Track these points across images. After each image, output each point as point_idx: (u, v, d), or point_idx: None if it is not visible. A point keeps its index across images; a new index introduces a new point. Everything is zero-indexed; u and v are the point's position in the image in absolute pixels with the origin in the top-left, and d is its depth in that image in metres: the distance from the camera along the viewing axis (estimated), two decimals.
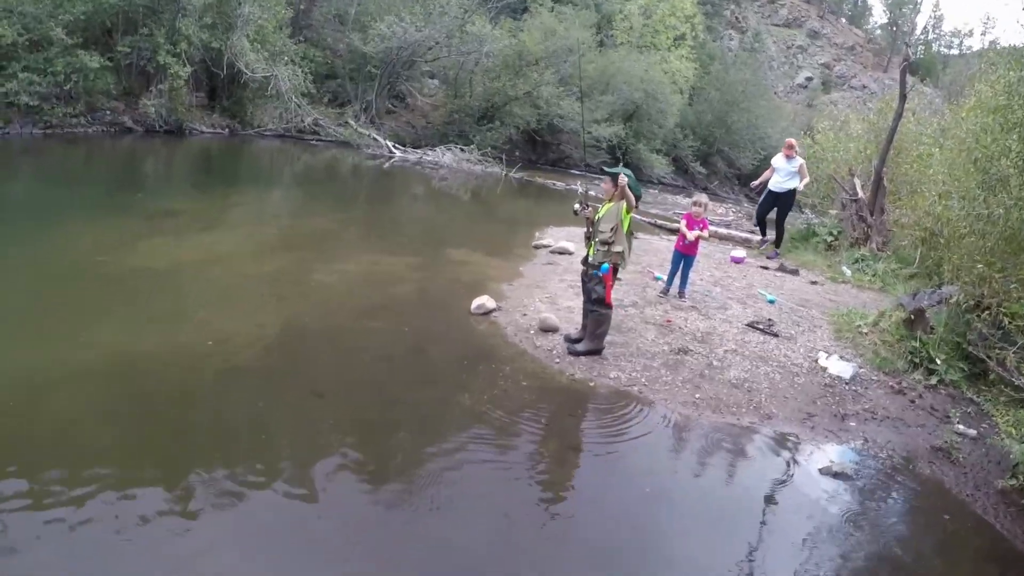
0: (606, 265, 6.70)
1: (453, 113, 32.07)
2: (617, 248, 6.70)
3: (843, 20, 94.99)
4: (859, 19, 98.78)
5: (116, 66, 25.28)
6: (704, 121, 40.98)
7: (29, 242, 9.36)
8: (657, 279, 10.38)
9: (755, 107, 42.18)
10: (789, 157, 13.52)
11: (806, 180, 13.68)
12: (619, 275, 7.05)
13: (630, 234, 6.88)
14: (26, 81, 22.75)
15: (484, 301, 8.05)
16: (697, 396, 6.46)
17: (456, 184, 23.41)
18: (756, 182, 14.43)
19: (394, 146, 28.15)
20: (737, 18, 73.86)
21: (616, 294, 9.02)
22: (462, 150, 26.90)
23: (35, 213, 11.97)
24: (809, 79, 75.68)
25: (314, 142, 28.96)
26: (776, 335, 8.29)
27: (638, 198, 6.78)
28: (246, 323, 7.10)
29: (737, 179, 43.20)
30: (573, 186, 25.09)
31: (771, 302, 9.93)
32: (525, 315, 7.99)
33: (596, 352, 6.93)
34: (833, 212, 16.64)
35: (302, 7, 34.20)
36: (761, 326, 8.47)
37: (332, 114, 31.61)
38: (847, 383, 7.21)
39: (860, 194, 14.75)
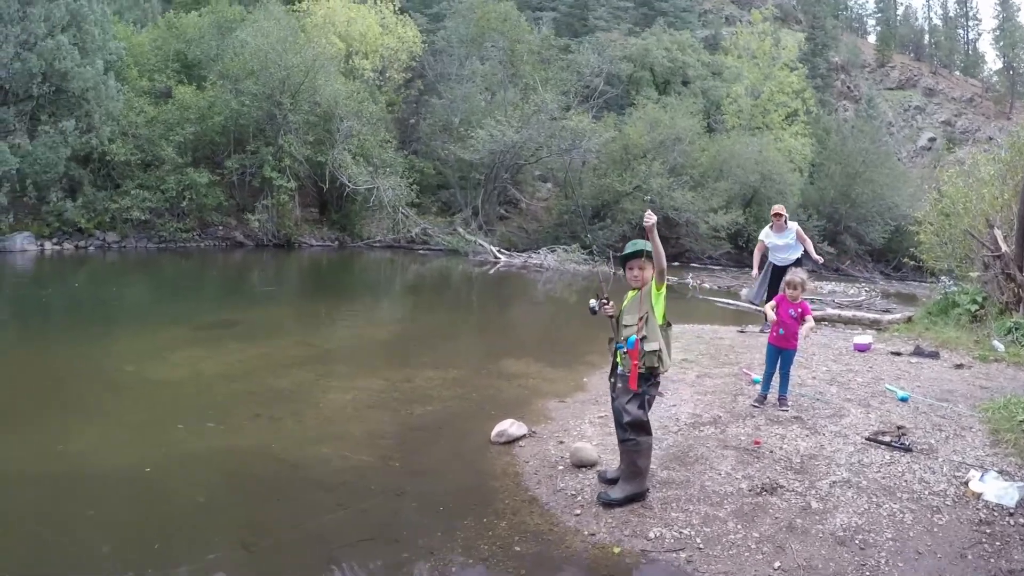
0: (633, 338, 4.88)
1: (563, 214, 31.02)
2: (651, 346, 4.86)
3: (957, 73, 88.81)
4: (973, 69, 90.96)
5: (225, 183, 25.77)
6: (827, 198, 38.17)
7: (75, 343, 10.49)
8: (755, 382, 8.20)
9: (879, 176, 38.72)
10: (780, 229, 11.50)
11: (810, 244, 11.59)
12: (660, 377, 5.10)
13: (667, 325, 5.04)
14: (139, 198, 23.47)
15: (507, 427, 6.27)
16: (777, 565, 4.34)
17: (558, 286, 21.97)
18: (754, 272, 12.02)
19: (499, 251, 27.18)
20: (848, 87, 70.52)
21: (694, 407, 7.08)
22: (565, 251, 25.52)
23: (104, 317, 13.14)
24: (932, 140, 70.55)
25: (422, 251, 28.46)
26: (908, 449, 5.97)
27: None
28: (213, 444, 6.23)
29: (869, 256, 39.77)
30: (687, 279, 23.13)
31: (903, 400, 7.59)
32: (561, 443, 6.11)
33: (636, 499, 4.94)
34: (974, 275, 13.60)
35: (411, 121, 34.59)
36: (887, 438, 6.18)
37: (441, 223, 31.24)
38: (1012, 514, 4.91)
39: (1003, 247, 11.91)
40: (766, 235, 11.65)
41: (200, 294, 16.85)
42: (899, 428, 6.45)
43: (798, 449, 5.98)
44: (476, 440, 6.30)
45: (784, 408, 7.06)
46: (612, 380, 5.09)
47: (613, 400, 5.05)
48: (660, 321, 4.94)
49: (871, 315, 14.44)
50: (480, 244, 27.75)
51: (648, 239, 4.80)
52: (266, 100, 24.93)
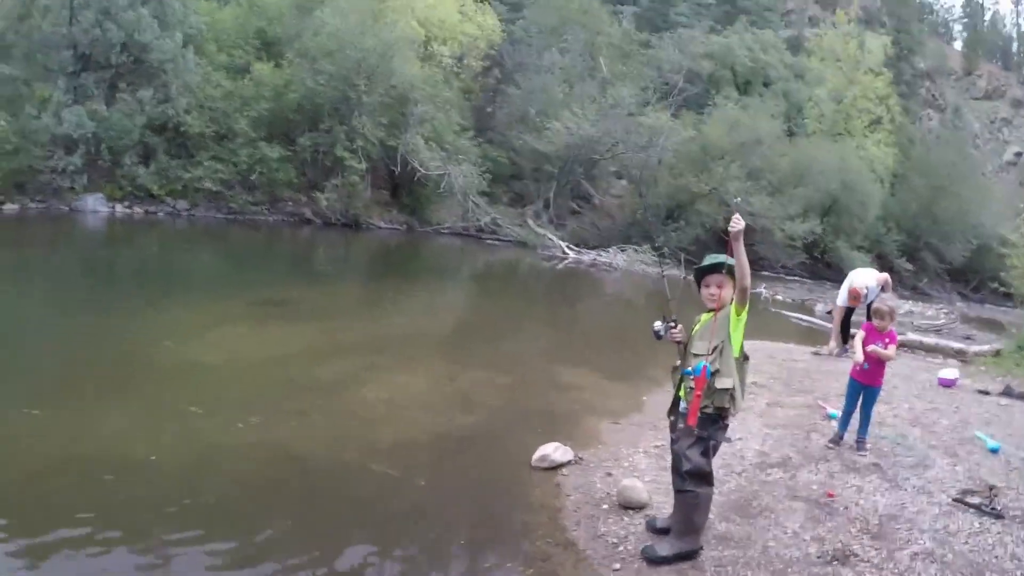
0: (702, 363, 4.10)
1: (636, 213, 30.16)
2: (723, 382, 4.06)
3: None
4: None
5: (297, 160, 25.70)
6: (909, 211, 36.16)
7: (123, 311, 10.35)
8: (831, 417, 7.36)
9: (964, 191, 36.45)
10: (856, 304, 10.77)
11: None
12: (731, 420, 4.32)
13: (744, 358, 4.25)
14: (211, 169, 23.60)
15: (551, 451, 5.61)
16: None
17: (626, 288, 21.22)
18: (832, 343, 11.17)
19: (568, 247, 26.50)
20: (934, 95, 66.75)
21: (763, 444, 6.34)
22: (635, 251, 24.69)
23: (159, 285, 13.25)
24: (1019, 154, 66.56)
25: (490, 241, 27.94)
26: (999, 515, 5.13)
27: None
28: (225, 438, 5.76)
29: (948, 275, 37.51)
30: (761, 289, 22.09)
31: (993, 451, 6.67)
32: (610, 475, 5.44)
33: (687, 558, 4.21)
34: None
35: (488, 110, 34.10)
36: (976, 500, 5.34)
37: (511, 214, 30.66)
38: None
39: None
40: (845, 302, 10.89)
41: (259, 269, 16.66)
42: (990, 488, 5.58)
43: (876, 507, 5.17)
44: (516, 461, 5.67)
45: (862, 452, 6.24)
46: (672, 418, 4.35)
47: (673, 442, 4.30)
48: (736, 353, 4.16)
49: (955, 344, 13.25)
50: (549, 238, 27.10)
51: (731, 250, 4.01)
52: (341, 81, 24.71)
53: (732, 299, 4.13)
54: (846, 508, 5.10)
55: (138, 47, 22.24)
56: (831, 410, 7.48)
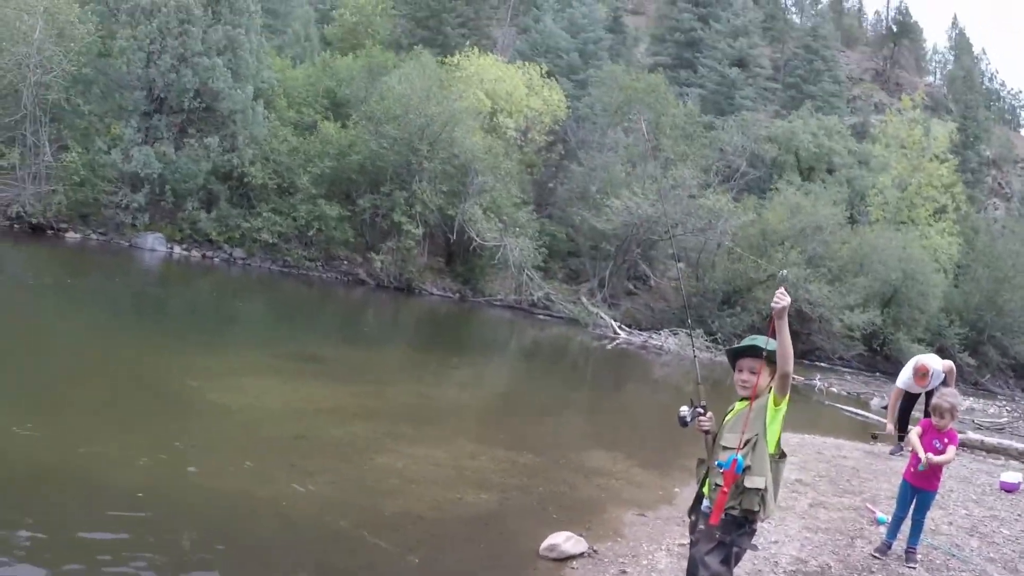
0: (733, 456, 3.56)
1: (693, 296, 29.61)
2: (754, 482, 3.52)
3: None
4: None
5: (355, 220, 25.96)
6: (971, 303, 34.79)
7: (159, 346, 10.46)
8: (879, 522, 6.64)
9: None
10: (922, 383, 9.80)
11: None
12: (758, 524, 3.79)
13: (780, 456, 3.72)
14: (270, 221, 23.99)
15: (561, 541, 5.11)
16: None
17: (674, 372, 20.57)
18: (889, 427, 10.14)
19: (619, 327, 26.02)
20: (1000, 184, 64.64)
21: (800, 549, 5.75)
22: (688, 335, 24.04)
23: (200, 326, 13.43)
24: None
25: (542, 316, 27.64)
26: None
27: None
28: (222, 484, 5.56)
29: (1012, 370, 35.95)
30: (816, 380, 21.20)
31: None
32: (624, 573, 4.92)
33: None
34: None
35: (550, 185, 34.18)
36: None
37: (565, 290, 30.39)
38: None
39: None
40: (906, 384, 10.07)
41: (303, 323, 16.63)
42: None
43: None
44: (522, 548, 5.22)
45: (912, 565, 5.60)
46: (692, 518, 3.86)
47: (691, 545, 3.80)
48: (772, 449, 3.64)
49: (1019, 444, 12.25)
50: (601, 317, 26.67)
51: (772, 331, 3.48)
52: (404, 145, 25.03)
53: (770, 387, 3.63)
54: None
55: (210, 95, 22.97)
56: (880, 514, 6.80)
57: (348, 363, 12.16)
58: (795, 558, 5.56)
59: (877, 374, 27.62)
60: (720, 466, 3.60)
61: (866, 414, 15.94)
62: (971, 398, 24.81)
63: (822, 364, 27.95)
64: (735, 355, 3.85)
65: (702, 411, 3.82)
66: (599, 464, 7.98)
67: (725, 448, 3.67)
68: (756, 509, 3.55)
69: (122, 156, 21.51)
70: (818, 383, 20.89)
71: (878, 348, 30.00)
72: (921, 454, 5.59)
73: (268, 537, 4.81)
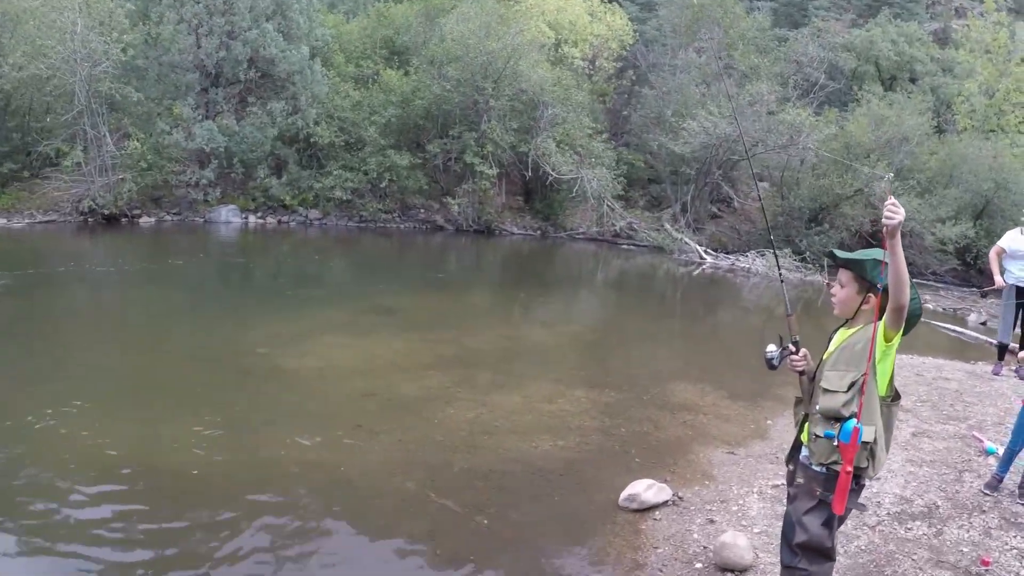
0: (850, 424, 2.93)
1: (778, 216, 28.48)
2: (863, 433, 2.93)
3: None
4: None
5: (428, 167, 25.69)
6: None
7: (232, 315, 10.63)
8: (988, 452, 6.06)
9: None
10: None
11: None
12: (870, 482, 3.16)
13: (893, 398, 3.10)
14: (341, 178, 23.94)
15: (643, 490, 4.72)
16: None
17: (764, 295, 19.74)
18: (997, 279, 8.97)
19: (705, 251, 25.18)
20: None
21: (904, 486, 5.23)
22: (775, 255, 23.08)
23: (275, 290, 13.42)
24: None
25: (627, 247, 26.98)
26: None
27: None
28: (283, 453, 5.40)
29: None
30: None
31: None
32: (712, 522, 4.52)
33: None
34: None
35: (624, 113, 33.16)
36: None
37: (648, 218, 29.56)
38: None
39: None
40: (1012, 239, 9.06)
41: (381, 276, 16.45)
42: None
43: None
44: (601, 500, 4.86)
45: None
46: (790, 467, 3.32)
47: (789, 500, 3.27)
48: (883, 391, 3.06)
49: None
50: (686, 243, 25.84)
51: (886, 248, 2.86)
52: (468, 86, 24.43)
53: (883, 318, 2.95)
54: None
55: (265, 62, 22.78)
56: (989, 444, 6.20)
57: (425, 312, 11.92)
58: (899, 497, 5.04)
59: (973, 289, 26.18)
60: (831, 437, 3.00)
61: (963, 331, 14.94)
62: None
63: (915, 280, 26.37)
64: (833, 263, 3.34)
65: (793, 348, 3.27)
66: (685, 398, 7.53)
67: (827, 391, 3.07)
68: (864, 465, 2.99)
69: (184, 135, 21.59)
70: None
71: (971, 262, 28.26)
72: None
73: (325, 506, 4.58)
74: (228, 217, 22.61)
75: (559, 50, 29.59)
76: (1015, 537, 4.49)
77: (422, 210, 26.53)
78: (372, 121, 24.30)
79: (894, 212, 2.76)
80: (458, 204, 25.26)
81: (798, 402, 3.33)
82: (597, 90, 31.45)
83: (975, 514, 4.81)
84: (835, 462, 3.00)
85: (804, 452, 3.20)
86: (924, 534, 4.49)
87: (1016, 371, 9.38)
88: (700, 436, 6.36)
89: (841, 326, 3.25)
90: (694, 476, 5.37)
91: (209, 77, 22.75)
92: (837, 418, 3.00)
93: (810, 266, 22.55)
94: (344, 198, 24.23)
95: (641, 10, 35.97)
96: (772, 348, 3.30)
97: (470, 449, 5.67)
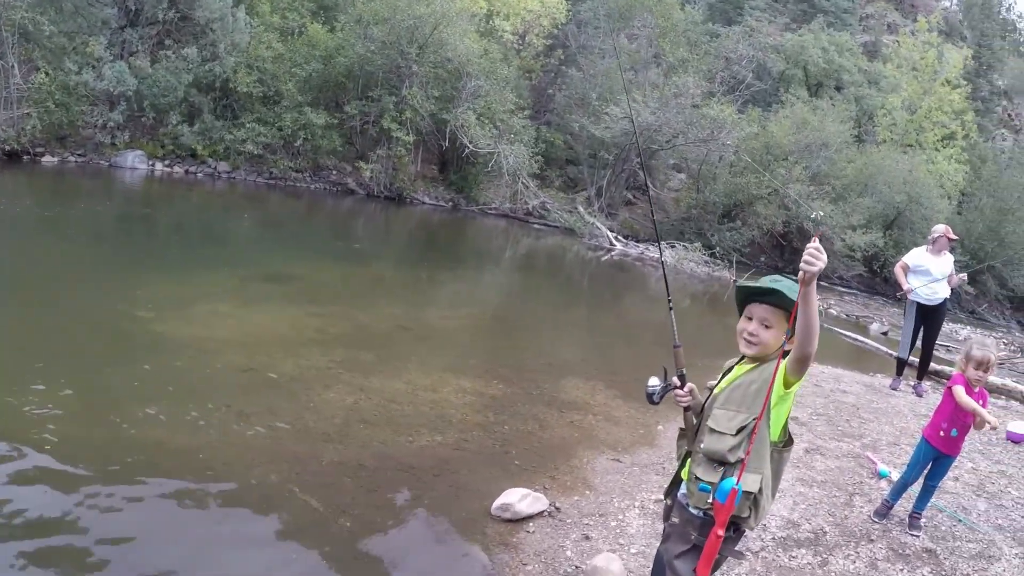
0: (730, 482, 2.66)
1: (692, 208, 28.83)
2: (747, 481, 2.69)
3: None
4: None
5: (343, 128, 24.95)
6: (974, 232, 34.39)
7: (119, 274, 9.83)
8: (881, 475, 6.07)
9: None
10: (939, 251, 9.14)
11: (963, 277, 9.31)
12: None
13: (785, 444, 2.87)
14: (254, 131, 23.10)
15: (516, 500, 4.48)
16: None
17: (672, 286, 19.84)
18: (904, 285, 9.30)
19: (616, 238, 25.23)
20: (1010, 115, 63.51)
21: (792, 508, 5.14)
22: (684, 247, 23.32)
23: (169, 248, 12.92)
24: None
25: (538, 226, 26.84)
26: None
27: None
28: (128, 434, 4.84)
29: (1010, 301, 35.69)
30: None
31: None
32: (588, 539, 4.33)
33: None
34: None
35: (549, 91, 32.93)
36: None
37: (562, 199, 29.47)
38: None
39: None
40: (917, 256, 9.30)
41: (284, 238, 15.89)
42: None
43: None
44: (475, 506, 4.60)
45: (915, 532, 4.99)
46: (667, 502, 3.10)
47: (663, 538, 3.04)
48: (775, 437, 2.80)
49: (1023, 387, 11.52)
50: (597, 227, 25.85)
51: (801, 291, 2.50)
52: (393, 48, 23.77)
53: (785, 361, 2.67)
54: None
55: (186, 2, 21.76)
56: (882, 466, 6.21)
57: (321, 282, 11.45)
58: (786, 520, 4.96)
59: (876, 297, 27.14)
60: (706, 491, 2.75)
61: (865, 340, 15.34)
62: (967, 327, 24.28)
63: (821, 283, 27.22)
64: (746, 296, 2.92)
65: (679, 383, 3.01)
66: (576, 396, 7.34)
67: (713, 431, 2.81)
68: (747, 515, 2.74)
69: (94, 74, 20.38)
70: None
71: (878, 270, 29.40)
72: (989, 418, 4.60)
73: (176, 499, 4.20)
74: (134, 163, 21.53)
75: (490, 22, 29.08)
76: (901, 571, 4.45)
77: (334, 172, 25.79)
78: (292, 74, 23.45)
79: (815, 259, 2.43)
80: (371, 169, 24.68)
81: (682, 434, 3.08)
82: (524, 66, 31.11)
83: (863, 543, 4.76)
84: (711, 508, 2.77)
85: (683, 490, 2.97)
86: (808, 563, 4.40)
87: (914, 388, 9.59)
88: (586, 439, 6.18)
89: (740, 360, 2.99)
90: (575, 484, 5.18)
91: (128, 15, 21.53)
92: (722, 462, 2.76)
93: (719, 261, 22.82)
94: (255, 152, 23.35)
95: None
96: (654, 382, 3.08)
97: (343, 439, 5.35)
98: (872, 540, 4.81)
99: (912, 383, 9.80)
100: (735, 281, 21.35)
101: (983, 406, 4.73)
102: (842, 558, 4.51)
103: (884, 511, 5.17)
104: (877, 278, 29.77)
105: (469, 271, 16.39)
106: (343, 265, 13.44)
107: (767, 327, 2.81)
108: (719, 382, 2.96)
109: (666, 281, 3.54)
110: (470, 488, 4.85)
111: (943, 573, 4.46)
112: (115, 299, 8.35)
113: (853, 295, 26.61)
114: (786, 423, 2.81)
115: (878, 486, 5.78)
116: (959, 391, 4.74)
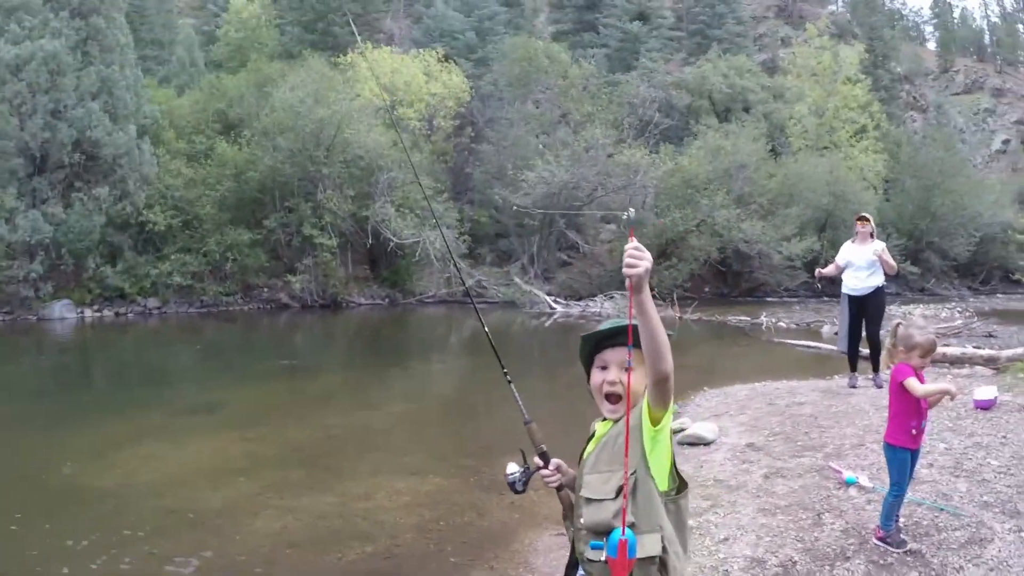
0: (617, 533, 2.13)
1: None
2: (644, 545, 2.18)
3: (1023, 69, 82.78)
4: None
5: (268, 243, 24.93)
6: (905, 214, 35.79)
7: (44, 426, 9.55)
8: (848, 483, 5.62)
9: (957, 186, 36.49)
10: (864, 240, 9.34)
11: (893, 265, 9.31)
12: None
13: (677, 489, 2.36)
14: (179, 262, 23.03)
15: None
16: None
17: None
18: (820, 271, 9.88)
19: (555, 301, 25.32)
20: (914, 97, 66.51)
21: (756, 543, 4.74)
22: (623, 296, 23.42)
23: (93, 395, 12.46)
24: (1006, 141, 66.05)
25: (480, 305, 26.68)
26: None
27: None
28: None
29: (955, 271, 37.53)
30: (762, 318, 20.74)
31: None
32: None
33: None
34: None
35: (466, 170, 33.30)
36: None
37: (497, 273, 29.57)
38: None
39: None
40: (844, 251, 9.55)
41: (214, 366, 15.57)
42: None
43: None
44: None
45: (899, 548, 4.46)
46: None
47: None
48: (664, 487, 2.32)
49: (984, 351, 11.29)
50: (535, 294, 25.93)
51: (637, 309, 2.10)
52: (301, 155, 23.98)
53: (645, 393, 2.27)
54: None
55: (90, 143, 21.71)
56: (848, 474, 5.72)
57: (249, 405, 11.12)
58: (750, 559, 4.50)
59: (825, 299, 27.55)
60: (599, 548, 2.25)
61: (819, 345, 15.42)
62: (920, 306, 24.65)
63: (770, 299, 27.81)
64: (595, 344, 2.48)
65: (541, 463, 2.65)
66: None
67: (591, 501, 2.35)
68: None
69: (8, 227, 20.15)
70: (764, 320, 20.50)
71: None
72: (952, 389, 4.45)
73: None
74: (62, 313, 21.31)
75: (395, 112, 29.56)
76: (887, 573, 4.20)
77: (265, 289, 25.57)
78: (208, 196, 23.42)
79: (637, 259, 2.01)
80: (300, 280, 24.58)
81: (566, 516, 2.67)
82: (437, 150, 31.52)
83: (838, 563, 4.39)
84: None
85: (580, 572, 2.69)
86: None
87: (872, 380, 9.43)
88: (527, 517, 5.98)
89: (603, 418, 2.57)
90: (515, 569, 4.98)
91: (34, 162, 21.44)
92: (608, 532, 2.46)
93: (660, 301, 22.92)
94: (184, 283, 23.22)
95: (475, 66, 36.63)
96: (512, 468, 2.71)
97: (269, 566, 5.09)
98: (848, 557, 4.43)
99: (871, 376, 9.66)
100: (680, 318, 21.55)
101: (922, 382, 4.46)
102: None
103: (899, 537, 4.56)
104: (823, 281, 30.33)
105: (411, 365, 16.17)
106: (272, 384, 13.11)
107: (625, 371, 2.30)
108: (585, 447, 2.71)
109: (496, 352, 2.97)
110: None
111: (932, 573, 4.23)
112: (37, 454, 8.10)
113: (803, 303, 26.98)
114: (672, 466, 2.37)
115: (847, 495, 5.39)
116: (913, 384, 4.40)
